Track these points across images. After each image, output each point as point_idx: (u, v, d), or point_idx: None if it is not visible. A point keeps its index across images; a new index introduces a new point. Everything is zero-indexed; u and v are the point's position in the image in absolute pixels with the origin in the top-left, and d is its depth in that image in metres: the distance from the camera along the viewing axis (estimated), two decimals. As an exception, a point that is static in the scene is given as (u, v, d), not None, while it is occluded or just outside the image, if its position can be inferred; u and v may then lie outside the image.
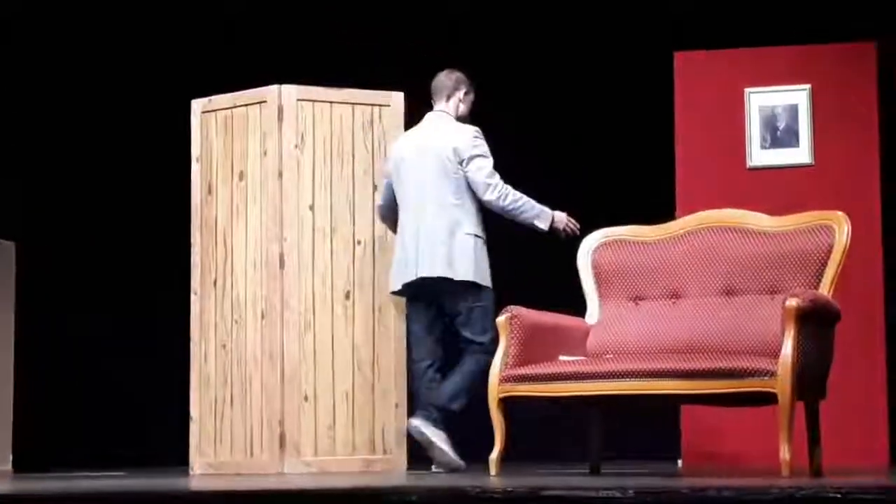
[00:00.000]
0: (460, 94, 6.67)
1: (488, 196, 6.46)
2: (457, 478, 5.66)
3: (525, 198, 6.50)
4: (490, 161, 6.51)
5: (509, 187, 6.49)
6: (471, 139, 6.52)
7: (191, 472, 6.70)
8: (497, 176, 6.50)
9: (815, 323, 5.43)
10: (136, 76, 8.62)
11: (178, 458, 6.91)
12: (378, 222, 6.70)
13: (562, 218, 6.55)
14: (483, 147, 6.53)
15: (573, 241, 6.34)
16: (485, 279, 6.50)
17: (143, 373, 8.44)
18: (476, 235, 6.50)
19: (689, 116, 7.28)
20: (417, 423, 6.36)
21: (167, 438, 7.47)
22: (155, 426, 8.14)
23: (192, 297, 6.84)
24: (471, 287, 6.46)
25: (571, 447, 6.88)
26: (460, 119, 6.66)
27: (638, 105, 8.00)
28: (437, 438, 6.36)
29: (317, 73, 7.06)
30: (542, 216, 6.52)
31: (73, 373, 8.48)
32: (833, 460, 6.12)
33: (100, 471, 6.98)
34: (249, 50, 8.44)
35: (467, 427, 6.90)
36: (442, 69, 6.67)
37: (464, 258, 6.45)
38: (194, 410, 6.78)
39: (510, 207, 6.48)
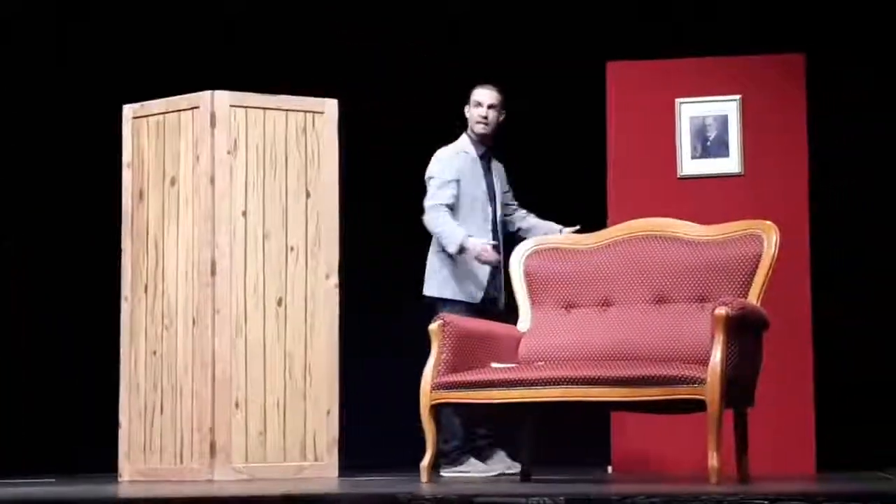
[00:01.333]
0: (466, 107, 7.11)
1: (423, 218, 6.93)
2: (388, 484, 5.67)
3: (443, 228, 6.82)
4: (434, 182, 6.93)
5: (436, 213, 6.85)
6: (431, 161, 6.99)
7: (119, 480, 6.65)
8: (433, 200, 6.90)
9: (744, 331, 5.49)
10: (67, 80, 8.54)
11: (108, 465, 6.86)
12: (310, 229, 6.70)
13: (474, 247, 6.76)
14: (432, 169, 6.97)
15: None
16: (441, 293, 6.88)
17: (71, 378, 8.36)
18: (440, 251, 6.89)
19: (621, 126, 7.33)
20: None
21: (96, 445, 7.40)
22: (84, 432, 8.06)
23: (122, 302, 6.79)
24: (430, 302, 6.83)
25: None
26: (471, 131, 7.04)
27: (570, 114, 8.04)
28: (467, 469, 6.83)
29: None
30: (451, 247, 6.81)
31: None
32: (761, 467, 6.17)
33: (27, 478, 6.91)
34: (184, 55, 8.39)
35: (399, 432, 6.92)
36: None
37: (429, 275, 6.93)
38: (123, 417, 6.73)
39: (433, 233, 6.91)
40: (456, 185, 6.93)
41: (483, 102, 7.02)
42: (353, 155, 7.64)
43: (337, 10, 8.47)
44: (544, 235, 6.75)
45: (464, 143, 7.07)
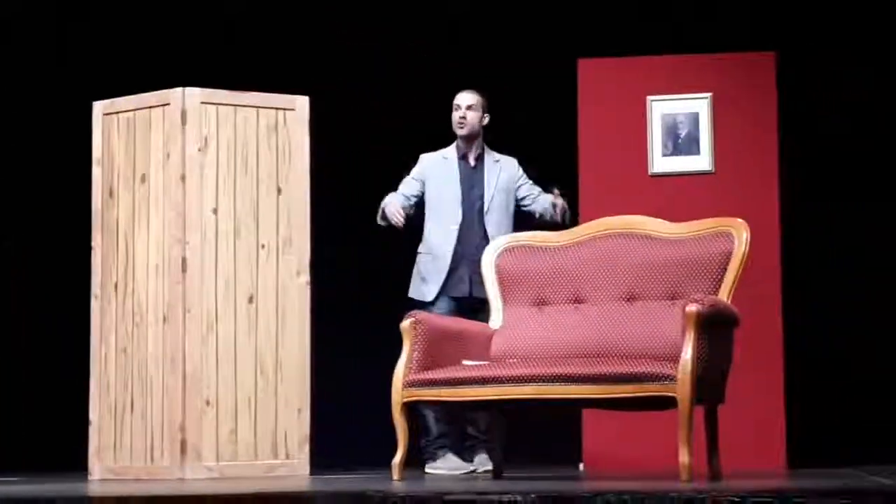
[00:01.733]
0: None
1: None
2: (359, 482, 5.66)
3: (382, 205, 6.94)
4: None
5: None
6: None
7: (89, 478, 6.63)
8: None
9: (715, 328, 5.50)
10: (37, 77, 8.50)
11: (77, 463, 6.83)
12: (281, 227, 6.69)
13: (388, 212, 6.86)
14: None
15: None
16: (415, 294, 6.92)
17: (42, 376, 8.33)
18: (419, 252, 6.98)
19: (593, 123, 7.34)
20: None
21: (66, 443, 7.37)
22: (54, 430, 8.03)
23: (92, 300, 6.76)
24: (417, 303, 6.81)
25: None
26: (458, 139, 7.09)
27: (541, 111, 8.04)
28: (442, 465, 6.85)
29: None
30: (378, 215, 6.93)
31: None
32: (732, 464, 6.18)
33: (-4, 477, 6.88)
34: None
35: (371, 430, 6.91)
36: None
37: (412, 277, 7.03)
38: (93, 415, 6.71)
39: None
40: (417, 184, 6.99)
41: (461, 105, 7.03)
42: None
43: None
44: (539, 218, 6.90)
45: (449, 147, 7.09)
